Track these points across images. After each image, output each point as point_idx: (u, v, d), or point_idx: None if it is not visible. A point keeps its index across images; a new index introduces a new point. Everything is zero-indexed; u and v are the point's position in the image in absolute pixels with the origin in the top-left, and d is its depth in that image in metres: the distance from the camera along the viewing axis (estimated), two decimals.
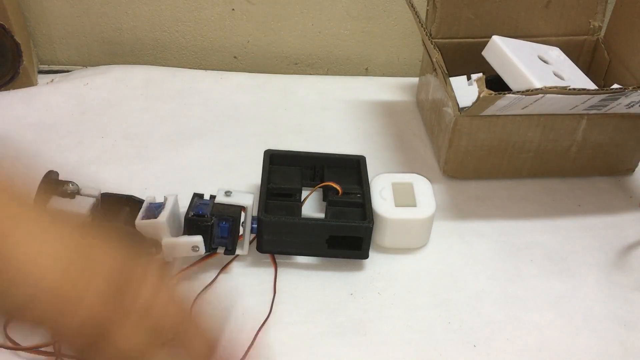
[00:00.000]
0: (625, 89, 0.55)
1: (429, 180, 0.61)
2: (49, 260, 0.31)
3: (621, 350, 0.52)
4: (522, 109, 0.59)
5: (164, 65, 0.86)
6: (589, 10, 0.72)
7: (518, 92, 0.55)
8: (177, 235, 0.54)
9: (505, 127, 0.63)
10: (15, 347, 0.48)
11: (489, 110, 0.59)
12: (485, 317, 0.54)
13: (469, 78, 0.70)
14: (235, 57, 0.88)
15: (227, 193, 0.55)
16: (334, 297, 0.55)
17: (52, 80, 0.82)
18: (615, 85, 0.68)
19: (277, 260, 0.57)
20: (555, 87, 0.55)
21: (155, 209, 0.54)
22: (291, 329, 0.52)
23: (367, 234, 0.55)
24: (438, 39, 0.71)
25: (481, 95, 0.54)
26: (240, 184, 0.65)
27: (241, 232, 0.55)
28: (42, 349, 0.48)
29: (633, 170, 0.69)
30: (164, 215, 0.52)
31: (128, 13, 0.84)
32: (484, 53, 0.66)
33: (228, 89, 0.81)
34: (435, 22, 0.70)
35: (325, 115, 0.77)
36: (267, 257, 0.57)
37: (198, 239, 0.52)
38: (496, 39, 0.65)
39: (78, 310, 0.31)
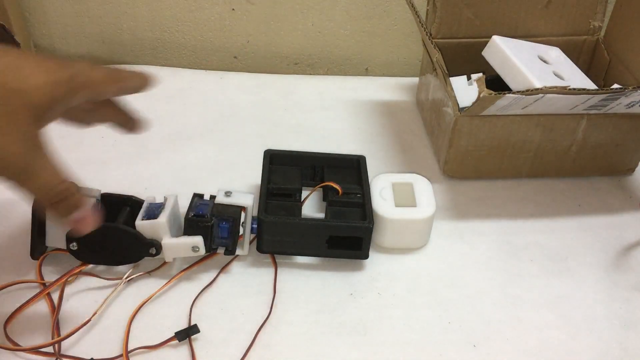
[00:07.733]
0: (625, 89, 0.55)
1: (429, 180, 0.61)
2: None
3: (621, 350, 0.52)
4: (522, 109, 0.59)
5: (164, 65, 0.86)
6: (589, 10, 0.72)
7: (518, 92, 0.55)
8: (177, 235, 0.54)
9: (505, 127, 0.63)
10: (15, 347, 0.48)
11: (489, 110, 0.59)
12: (485, 317, 0.54)
13: (469, 78, 0.70)
14: (235, 57, 0.88)
15: (227, 193, 0.55)
16: (334, 297, 0.55)
17: None
18: (615, 85, 0.68)
19: (277, 260, 0.57)
20: (555, 87, 0.55)
21: (155, 209, 0.54)
22: (291, 329, 0.52)
23: (367, 234, 0.55)
24: (438, 39, 0.71)
25: (481, 95, 0.54)
26: (240, 184, 0.65)
27: (241, 232, 0.55)
28: (42, 349, 0.48)
29: (633, 170, 0.69)
30: (164, 215, 0.53)
31: (128, 13, 0.84)
32: (484, 53, 0.66)
33: (228, 89, 0.81)
34: (435, 22, 0.70)
35: (325, 115, 0.77)
36: (267, 257, 0.57)
37: (198, 239, 0.53)
38: (496, 39, 0.65)
39: None
